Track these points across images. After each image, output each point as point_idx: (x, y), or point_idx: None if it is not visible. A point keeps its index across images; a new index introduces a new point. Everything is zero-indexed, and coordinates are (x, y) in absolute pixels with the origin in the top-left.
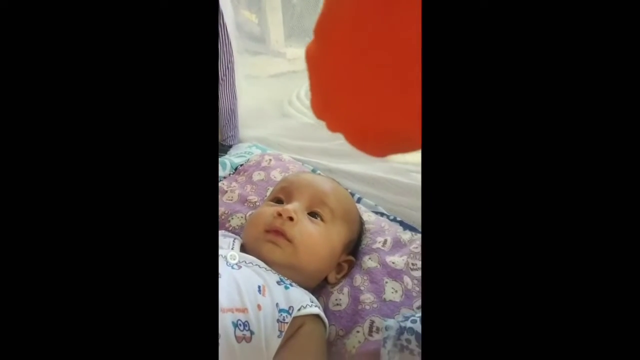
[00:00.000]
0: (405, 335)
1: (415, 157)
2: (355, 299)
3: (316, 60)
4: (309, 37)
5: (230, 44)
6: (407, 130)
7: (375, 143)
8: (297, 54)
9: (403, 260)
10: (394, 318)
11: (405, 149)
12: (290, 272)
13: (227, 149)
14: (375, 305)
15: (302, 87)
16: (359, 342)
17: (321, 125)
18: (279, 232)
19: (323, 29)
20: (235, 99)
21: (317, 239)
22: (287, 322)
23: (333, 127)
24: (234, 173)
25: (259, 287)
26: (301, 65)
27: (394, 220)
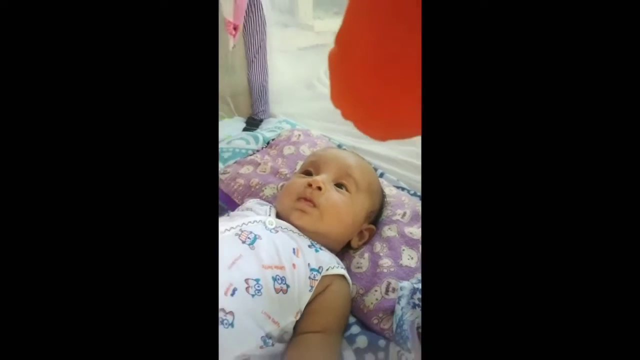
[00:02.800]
0: (418, 295)
1: None
2: (374, 263)
3: (336, 63)
4: (337, 8)
5: (263, 22)
6: (405, 122)
7: (378, 131)
8: (325, 26)
9: (420, 231)
10: (408, 280)
11: (404, 136)
12: (317, 236)
13: (258, 122)
14: (392, 269)
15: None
16: (377, 299)
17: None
18: (309, 200)
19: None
20: (267, 75)
21: (341, 207)
22: (317, 280)
23: (346, 115)
24: (266, 147)
25: (294, 249)
26: (329, 38)
27: (414, 195)
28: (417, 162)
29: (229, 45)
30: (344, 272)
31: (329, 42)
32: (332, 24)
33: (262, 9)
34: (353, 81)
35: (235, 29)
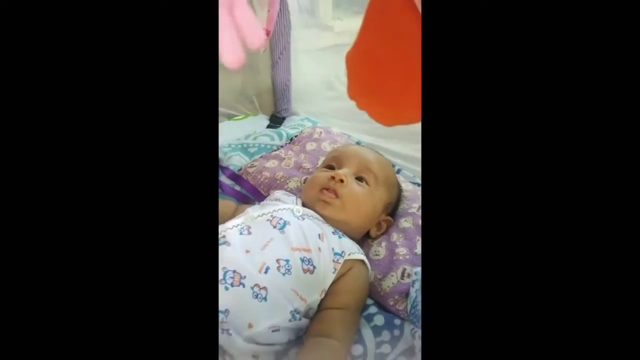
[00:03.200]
0: None
1: None
2: (391, 251)
3: (352, 63)
4: (356, 7)
5: (289, 25)
6: (408, 110)
7: (386, 118)
8: (344, 27)
9: None
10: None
11: (407, 122)
12: (339, 225)
13: (281, 120)
14: (407, 257)
15: None
16: (393, 283)
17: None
18: (332, 191)
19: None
20: (290, 75)
21: (361, 199)
22: (340, 263)
23: (361, 106)
24: (289, 143)
25: (319, 234)
26: (348, 38)
27: None
28: None
29: (260, 50)
30: (363, 257)
31: (349, 42)
32: (352, 24)
33: (289, 12)
34: (366, 78)
35: (267, 34)
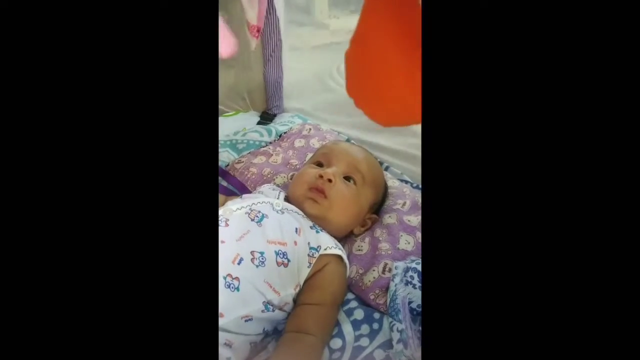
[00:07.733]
0: (410, 273)
1: None
2: (374, 246)
3: (351, 61)
4: (353, 7)
5: (278, 22)
6: (405, 111)
7: (383, 117)
8: (340, 25)
9: (418, 219)
10: (403, 261)
11: (403, 123)
12: (324, 223)
13: (272, 117)
14: (389, 252)
15: (342, 60)
16: (374, 278)
17: (352, 101)
18: (319, 190)
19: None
20: (282, 72)
21: (349, 199)
22: (315, 257)
23: (358, 104)
24: (278, 139)
25: (296, 228)
26: (343, 37)
27: (416, 187)
28: (418, 153)
29: (251, 46)
30: (340, 252)
31: (344, 40)
32: (348, 22)
33: (276, 9)
34: (364, 76)
35: (258, 31)
